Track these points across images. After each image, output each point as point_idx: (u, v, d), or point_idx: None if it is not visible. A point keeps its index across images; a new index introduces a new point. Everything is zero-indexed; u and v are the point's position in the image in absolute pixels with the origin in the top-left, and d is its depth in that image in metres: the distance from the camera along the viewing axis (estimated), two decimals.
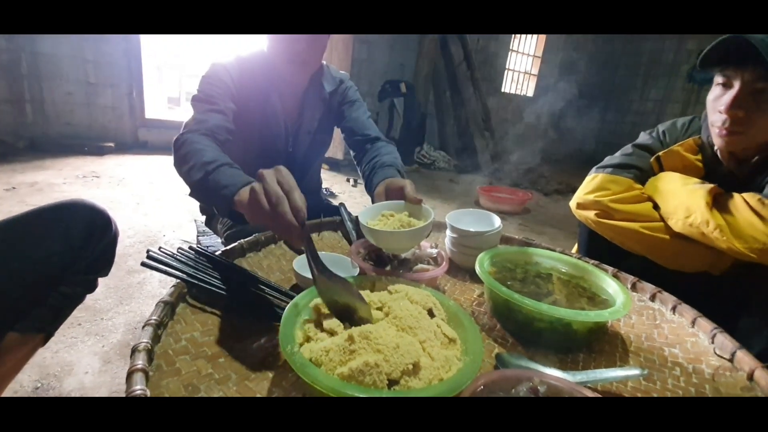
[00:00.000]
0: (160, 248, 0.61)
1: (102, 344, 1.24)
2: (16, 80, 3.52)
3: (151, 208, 2.50)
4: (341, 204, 1.02)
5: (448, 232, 0.82)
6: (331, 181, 3.70)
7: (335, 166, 4.28)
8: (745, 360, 0.54)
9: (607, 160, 0.98)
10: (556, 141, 7.49)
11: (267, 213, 0.50)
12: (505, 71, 6.39)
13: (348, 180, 3.83)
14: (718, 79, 0.80)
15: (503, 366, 0.49)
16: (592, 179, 0.94)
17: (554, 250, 0.84)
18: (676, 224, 0.80)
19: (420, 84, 5.05)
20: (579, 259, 0.77)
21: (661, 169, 0.91)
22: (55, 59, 3.63)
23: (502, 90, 6.45)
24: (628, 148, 0.99)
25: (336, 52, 3.96)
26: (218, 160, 0.72)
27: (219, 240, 1.27)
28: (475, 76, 5.32)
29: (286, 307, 0.46)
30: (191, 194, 0.78)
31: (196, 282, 0.57)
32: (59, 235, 0.68)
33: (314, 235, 0.90)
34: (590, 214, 0.91)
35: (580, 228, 1.03)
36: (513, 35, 6.22)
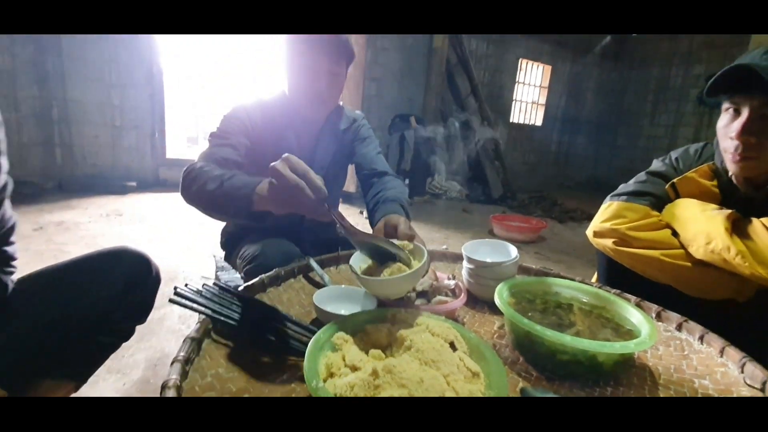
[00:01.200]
0: (186, 285, 0.63)
1: (123, 382, 1.25)
2: (47, 125, 3.75)
3: (171, 244, 2.56)
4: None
5: (464, 263, 0.82)
6: (344, 213, 3.75)
7: (348, 198, 4.34)
8: (756, 372, 0.51)
9: (622, 187, 0.98)
10: (568, 168, 7.49)
11: (289, 199, 0.56)
12: (513, 102, 6.52)
13: (361, 212, 3.88)
14: (727, 106, 0.81)
15: None
16: (608, 207, 0.94)
17: (574, 280, 0.84)
18: (698, 251, 0.79)
19: (429, 116, 5.19)
20: (600, 288, 0.76)
21: (677, 196, 0.91)
22: (84, 105, 3.88)
23: (511, 120, 6.56)
24: (642, 175, 0.99)
25: (347, 90, 4.13)
26: (230, 172, 0.76)
27: (237, 275, 1.29)
28: (483, 107, 5.44)
29: (310, 342, 0.47)
30: (207, 209, 0.79)
31: (222, 318, 0.58)
32: (101, 285, 0.69)
33: (332, 268, 0.91)
34: (608, 242, 0.91)
35: (598, 256, 1.02)
36: (519, 69, 6.39)
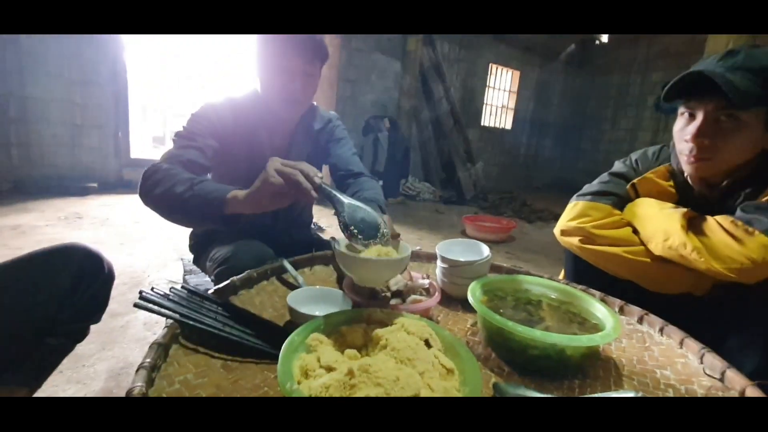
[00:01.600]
0: (152, 288, 0.60)
1: (84, 392, 1.18)
2: (2, 124, 3.51)
3: (135, 248, 2.45)
4: (332, 238, 1.03)
5: (438, 262, 0.83)
6: (318, 215, 3.71)
7: (322, 200, 4.30)
8: (736, 379, 0.55)
9: (587, 188, 1.03)
10: (536, 170, 7.75)
11: (284, 189, 0.62)
12: (484, 105, 6.67)
13: (335, 213, 3.85)
14: (683, 110, 0.85)
15: (501, 395, 0.49)
16: (574, 207, 0.98)
17: (542, 277, 0.86)
18: (656, 248, 0.83)
19: (403, 119, 5.23)
20: (567, 284, 0.79)
21: (637, 196, 0.96)
22: (43, 102, 3.65)
23: (482, 123, 6.71)
24: (605, 176, 1.04)
25: (321, 91, 4.09)
26: (199, 177, 0.75)
27: (207, 279, 1.25)
28: (455, 111, 5.54)
29: (284, 344, 0.46)
30: (171, 213, 0.77)
31: (191, 322, 0.56)
32: (45, 284, 0.66)
33: (306, 270, 0.90)
34: (574, 240, 0.94)
35: (566, 254, 1.06)
36: (489, 73, 6.55)
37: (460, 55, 6.09)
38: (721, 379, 0.57)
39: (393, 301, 0.70)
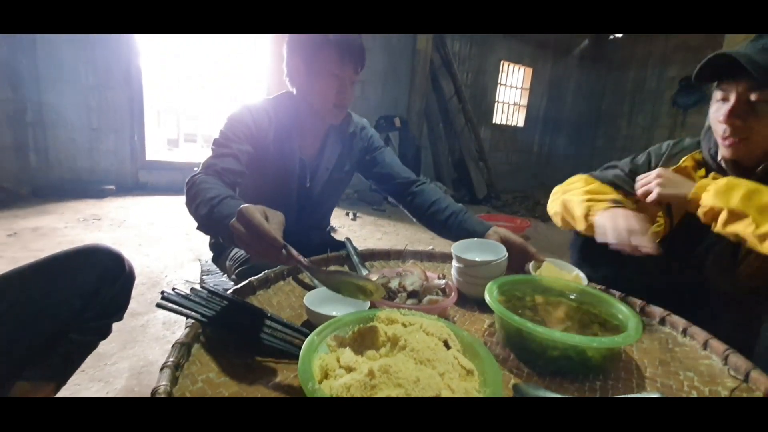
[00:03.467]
0: (174, 289, 0.61)
1: (106, 390, 1.21)
2: (21, 129, 3.61)
3: (153, 248, 2.50)
4: (347, 239, 1.03)
5: (454, 262, 0.83)
6: (332, 215, 3.73)
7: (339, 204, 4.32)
8: (761, 380, 0.54)
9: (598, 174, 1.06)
10: (550, 168, 7.64)
11: (248, 240, 0.57)
12: (495, 103, 6.61)
13: (347, 214, 3.86)
14: (717, 94, 0.84)
15: (521, 397, 0.49)
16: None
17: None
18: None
19: (413, 118, 5.21)
20: (587, 285, 0.78)
21: None
22: (60, 108, 3.75)
23: (494, 121, 6.64)
24: (618, 172, 1.04)
25: None
26: (221, 195, 0.76)
27: (224, 278, 1.27)
28: (467, 109, 5.50)
29: (303, 344, 0.46)
30: (199, 228, 0.81)
31: (212, 322, 0.57)
32: (70, 282, 0.68)
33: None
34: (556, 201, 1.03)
35: (571, 243, 1.06)
36: (501, 71, 6.49)
37: (471, 52, 6.04)
38: (746, 380, 0.56)
39: (409, 302, 0.70)
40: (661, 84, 6.68)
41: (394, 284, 0.74)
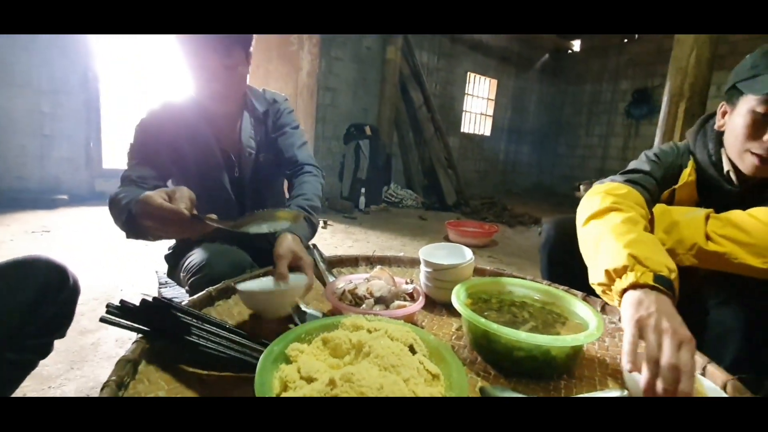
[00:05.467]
0: (121, 301, 0.57)
1: None
2: None
3: (108, 261, 2.35)
4: (313, 245, 1.01)
5: (422, 267, 0.82)
6: None
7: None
8: (717, 374, 0.56)
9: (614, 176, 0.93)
10: (515, 175, 7.90)
11: (159, 225, 0.59)
12: (463, 113, 6.78)
13: None
14: (758, 107, 0.74)
15: None
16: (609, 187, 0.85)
17: (525, 278, 0.87)
18: (687, 259, 0.76)
19: (384, 126, 5.25)
20: (549, 285, 0.79)
21: (672, 199, 0.90)
22: (9, 112, 3.50)
23: (462, 130, 6.81)
24: (636, 170, 0.94)
25: (301, 98, 4.08)
26: (135, 197, 0.73)
27: (182, 291, 1.20)
28: (435, 118, 5.61)
29: (261, 356, 0.43)
30: (129, 236, 0.82)
31: (162, 336, 0.53)
32: (5, 297, 0.62)
33: None
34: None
35: (540, 251, 1.08)
36: (467, 82, 6.67)
37: (438, 64, 6.18)
38: (703, 374, 0.58)
39: (376, 308, 0.69)
40: (615, 96, 7.10)
41: (361, 290, 0.72)
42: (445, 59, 6.25)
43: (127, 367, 0.48)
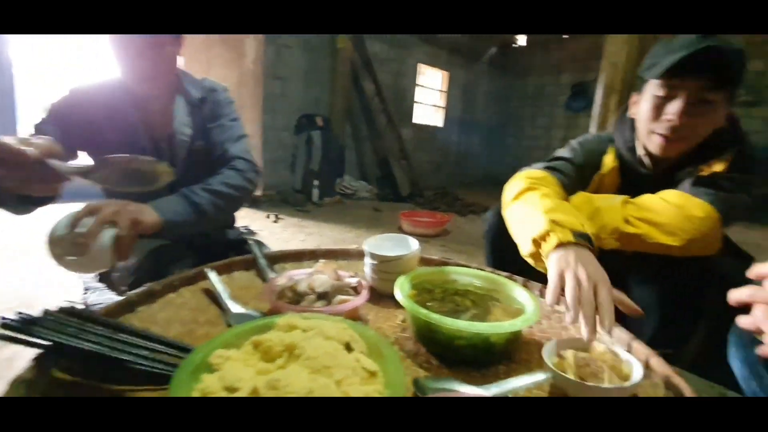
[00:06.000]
0: (19, 313, 0.49)
1: None
2: None
3: (26, 266, 2.10)
4: (254, 240, 0.96)
5: (366, 259, 0.81)
6: (251, 218, 3.52)
7: (253, 202, 4.09)
8: (640, 350, 0.59)
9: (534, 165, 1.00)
10: (467, 166, 8.13)
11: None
12: (415, 104, 6.83)
13: (268, 216, 3.68)
14: (658, 90, 0.81)
15: (421, 392, 0.48)
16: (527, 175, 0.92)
17: (470, 267, 0.88)
18: (610, 243, 0.81)
19: (336, 118, 5.16)
20: (492, 272, 0.81)
21: (600, 183, 0.97)
22: None
23: (415, 122, 6.86)
24: (559, 157, 1.01)
25: (246, 87, 3.88)
26: None
27: (112, 294, 1.10)
28: (388, 109, 5.60)
29: (178, 368, 0.39)
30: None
31: (66, 351, 0.47)
32: None
33: (224, 277, 0.82)
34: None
35: (485, 238, 1.10)
36: (419, 73, 6.72)
37: (390, 54, 6.16)
38: (629, 351, 0.61)
39: (318, 304, 0.66)
40: (556, 90, 7.49)
41: (302, 287, 0.69)
42: (397, 50, 6.23)
43: (21, 389, 0.41)
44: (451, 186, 6.54)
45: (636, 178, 0.93)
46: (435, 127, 7.36)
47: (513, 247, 0.89)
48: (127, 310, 0.62)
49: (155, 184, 0.64)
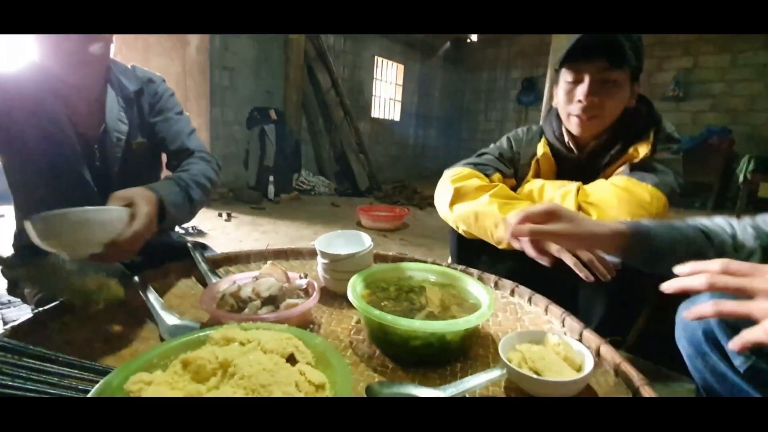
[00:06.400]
0: None
1: None
2: None
3: None
4: (193, 243, 0.88)
5: (318, 258, 0.76)
6: (201, 217, 3.32)
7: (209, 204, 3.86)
8: (591, 338, 0.60)
9: (464, 161, 1.06)
10: (424, 159, 8.22)
11: None
12: (373, 97, 6.78)
13: (220, 215, 3.49)
14: (567, 76, 0.91)
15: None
16: (460, 172, 1.00)
17: (425, 261, 0.86)
18: None
19: (291, 111, 4.99)
20: (447, 266, 0.79)
21: (539, 170, 1.02)
22: None
23: (372, 115, 6.82)
24: (486, 154, 1.08)
25: (191, 77, 3.64)
26: None
27: (29, 308, 0.97)
28: (344, 102, 5.50)
29: (90, 394, 0.33)
30: None
31: None
32: None
33: (160, 285, 0.74)
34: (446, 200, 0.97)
35: (450, 237, 1.09)
36: (375, 66, 6.67)
37: (345, 47, 6.04)
38: (580, 339, 0.62)
39: (264, 310, 0.61)
40: (507, 84, 7.74)
41: (245, 292, 0.63)
42: (352, 42, 6.13)
43: None
44: (409, 179, 6.58)
45: (567, 163, 1.00)
46: (392, 121, 7.36)
47: (480, 245, 0.94)
48: (38, 330, 0.54)
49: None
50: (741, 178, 4.43)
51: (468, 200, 0.94)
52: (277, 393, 0.35)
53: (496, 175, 1.01)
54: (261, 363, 0.37)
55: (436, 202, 1.04)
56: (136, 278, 0.69)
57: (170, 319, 0.58)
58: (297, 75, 5.00)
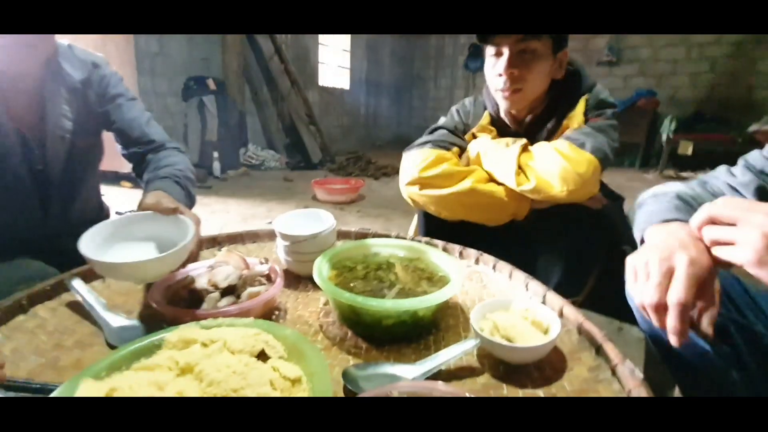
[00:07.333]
0: None
1: None
2: None
3: None
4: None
5: (278, 240, 0.72)
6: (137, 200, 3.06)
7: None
8: (554, 301, 0.62)
9: (422, 140, 1.05)
10: (377, 129, 8.12)
11: None
12: (319, 64, 6.47)
13: None
14: (490, 51, 0.92)
15: (351, 383, 0.44)
16: (422, 155, 0.98)
17: (389, 236, 0.85)
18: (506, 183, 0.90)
19: (231, 80, 4.64)
20: (412, 240, 0.79)
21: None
22: None
23: (320, 84, 6.54)
24: (439, 129, 1.08)
25: (113, 43, 3.24)
26: None
27: None
28: (290, 70, 5.21)
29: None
30: None
31: None
32: None
33: (95, 283, 0.66)
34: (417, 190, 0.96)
35: (418, 213, 1.09)
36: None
37: None
38: (543, 302, 0.64)
39: (224, 301, 0.57)
40: (456, 50, 7.72)
41: (200, 283, 0.58)
42: None
43: None
44: (362, 150, 6.48)
45: (509, 136, 1.01)
46: (342, 90, 7.12)
47: (447, 224, 0.95)
48: None
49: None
50: (664, 138, 4.85)
51: (445, 187, 0.93)
52: (252, 394, 0.32)
53: (454, 149, 1.01)
54: (230, 366, 0.34)
55: (401, 186, 1.02)
56: (70, 278, 0.61)
57: (115, 321, 0.52)
58: (235, 41, 4.62)
